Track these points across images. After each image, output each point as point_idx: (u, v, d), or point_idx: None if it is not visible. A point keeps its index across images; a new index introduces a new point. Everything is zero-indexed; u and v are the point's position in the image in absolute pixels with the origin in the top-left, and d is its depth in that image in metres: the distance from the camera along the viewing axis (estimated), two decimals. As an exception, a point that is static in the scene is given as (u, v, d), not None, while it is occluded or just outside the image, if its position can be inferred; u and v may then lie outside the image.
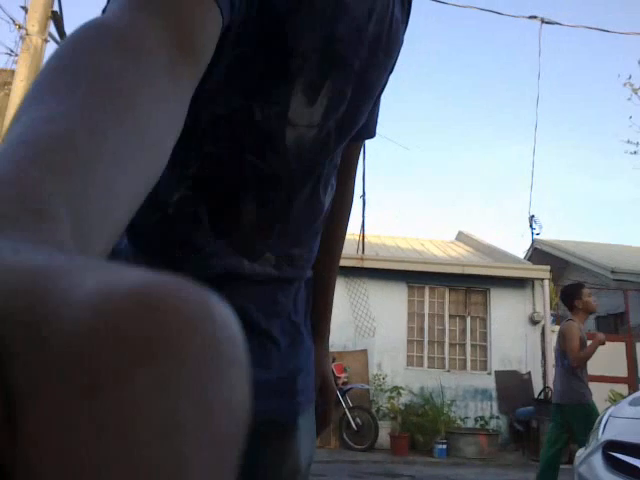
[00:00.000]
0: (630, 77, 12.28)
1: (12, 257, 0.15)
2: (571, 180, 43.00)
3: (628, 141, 12.46)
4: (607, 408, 2.55)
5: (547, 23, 9.08)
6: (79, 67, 0.31)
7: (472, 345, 9.06)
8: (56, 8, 9.54)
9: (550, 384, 8.59)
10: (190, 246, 0.68)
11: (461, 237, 13.21)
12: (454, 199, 43.06)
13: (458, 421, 8.32)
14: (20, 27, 9.20)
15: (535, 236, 13.57)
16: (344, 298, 8.94)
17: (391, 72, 0.82)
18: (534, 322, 9.00)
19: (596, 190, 42.89)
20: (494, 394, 8.69)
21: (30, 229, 0.19)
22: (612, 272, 9.92)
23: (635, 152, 12.42)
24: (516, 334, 8.96)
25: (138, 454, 0.13)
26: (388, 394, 8.30)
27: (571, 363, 3.99)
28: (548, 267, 9.25)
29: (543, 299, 9.06)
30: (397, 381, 8.51)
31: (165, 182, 0.60)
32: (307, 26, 0.61)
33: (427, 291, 9.23)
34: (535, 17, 9.05)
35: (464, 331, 9.12)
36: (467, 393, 8.66)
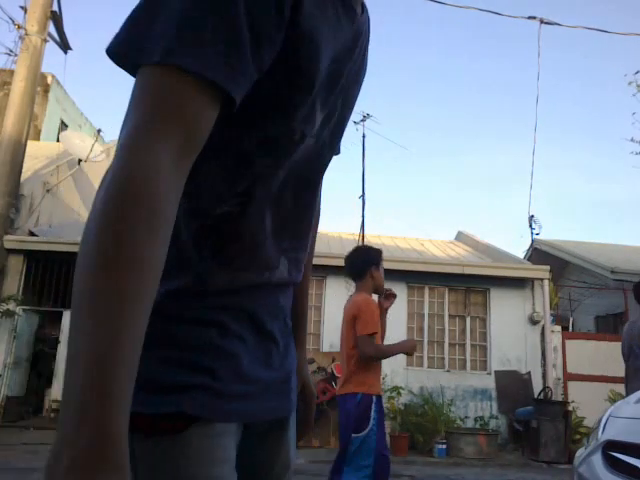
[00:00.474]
0: (637, 72, 12.19)
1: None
2: (571, 180, 43.02)
3: (632, 139, 12.42)
4: (607, 408, 2.54)
5: (546, 23, 9.09)
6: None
7: (472, 345, 9.06)
8: (55, 8, 9.54)
9: (550, 384, 8.59)
10: (223, 257, 0.71)
11: (461, 237, 13.20)
12: (454, 199, 43.06)
13: (458, 421, 8.32)
14: (19, 27, 9.19)
15: (535, 236, 13.57)
16: (344, 298, 8.89)
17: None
18: (534, 322, 9.00)
19: (596, 190, 42.91)
20: (494, 394, 8.69)
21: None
22: (612, 272, 9.91)
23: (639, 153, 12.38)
24: (516, 334, 8.95)
25: None
26: (388, 394, 8.29)
27: None
28: (548, 267, 9.24)
29: (543, 299, 9.06)
30: (397, 381, 8.50)
31: (212, 197, 0.68)
32: (324, 48, 0.68)
33: (427, 291, 9.23)
34: (534, 17, 9.06)
35: (464, 331, 9.12)
36: (467, 393, 8.66)
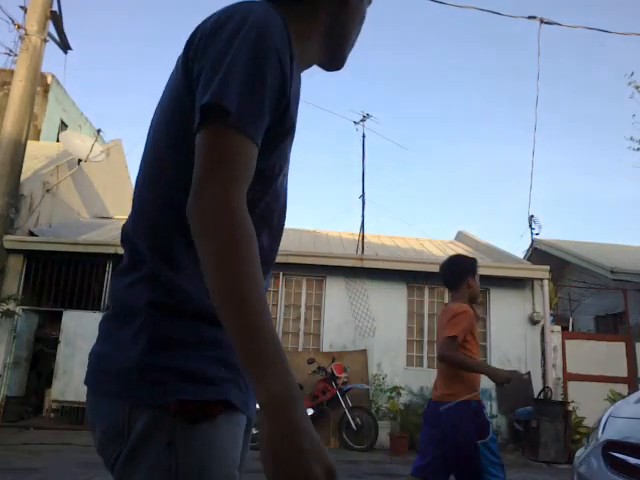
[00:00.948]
0: (632, 73, 12.18)
1: None
2: (571, 180, 43.00)
3: (631, 138, 12.40)
4: (607, 408, 2.55)
5: (546, 23, 9.09)
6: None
7: (472, 345, 9.05)
8: (55, 8, 9.54)
9: (550, 384, 8.59)
10: None
11: (460, 237, 13.20)
12: (454, 199, 43.05)
13: (458, 421, 8.31)
14: (19, 27, 9.19)
15: (535, 236, 13.57)
16: (344, 298, 8.94)
17: None
18: (534, 322, 9.00)
19: (596, 190, 42.90)
20: (493, 394, 8.68)
21: None
22: (611, 272, 9.91)
23: (639, 149, 12.36)
24: (516, 334, 8.95)
25: None
26: (388, 394, 8.30)
27: None
28: (548, 267, 9.24)
29: (543, 299, 9.06)
30: (397, 381, 8.50)
31: None
32: (298, 104, 0.92)
33: (426, 291, 9.23)
34: (534, 17, 9.05)
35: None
36: (467, 393, 8.65)
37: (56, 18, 9.59)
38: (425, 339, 9.00)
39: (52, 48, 9.89)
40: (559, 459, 7.31)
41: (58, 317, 8.68)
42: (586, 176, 45.70)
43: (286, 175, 0.98)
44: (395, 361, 8.75)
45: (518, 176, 50.87)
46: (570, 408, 7.96)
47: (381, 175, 40.98)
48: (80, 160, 10.85)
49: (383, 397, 8.32)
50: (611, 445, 2.11)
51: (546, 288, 9.06)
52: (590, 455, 2.25)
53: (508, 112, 44.96)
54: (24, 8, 9.25)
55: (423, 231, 32.78)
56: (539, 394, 8.26)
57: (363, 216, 10.42)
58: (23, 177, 9.16)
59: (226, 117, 0.74)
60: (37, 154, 11.16)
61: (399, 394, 8.30)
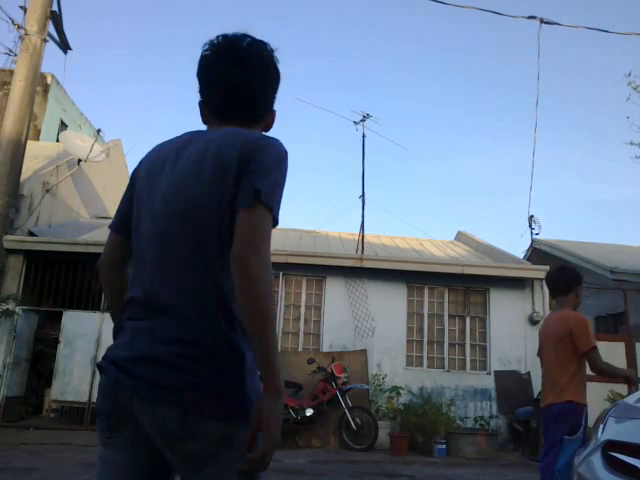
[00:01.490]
0: (630, 73, 12.12)
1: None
2: (570, 180, 43.00)
3: (631, 143, 12.38)
4: (607, 408, 2.54)
5: (546, 23, 9.08)
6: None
7: (471, 345, 9.06)
8: (55, 8, 9.53)
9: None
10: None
11: (460, 237, 13.20)
12: (454, 199, 43.03)
13: (457, 421, 8.32)
14: (19, 27, 9.18)
15: (534, 236, 13.57)
16: (344, 298, 8.93)
17: None
18: (533, 322, 9.00)
19: (596, 190, 42.88)
20: (493, 394, 8.69)
21: None
22: (611, 272, 9.91)
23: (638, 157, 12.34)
24: (515, 334, 8.95)
25: None
26: (387, 394, 8.30)
27: None
28: (547, 267, 9.21)
29: (542, 299, 9.06)
30: (396, 381, 8.50)
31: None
32: None
33: (426, 291, 9.22)
34: (534, 17, 9.05)
35: (463, 331, 9.12)
36: (466, 393, 8.66)
37: (56, 18, 9.58)
38: (425, 339, 9.00)
39: (52, 48, 9.89)
40: (559, 459, 7.30)
41: (58, 317, 8.68)
42: (586, 176, 45.70)
43: None
44: (395, 361, 8.75)
45: (518, 176, 50.88)
46: (570, 408, 7.95)
47: (381, 175, 40.99)
48: (80, 160, 10.85)
49: (383, 397, 8.32)
50: (611, 445, 2.11)
51: (546, 288, 9.06)
52: (590, 455, 2.25)
53: (508, 112, 44.96)
54: (24, 8, 9.25)
55: (423, 231, 32.75)
56: (539, 394, 8.25)
57: (363, 216, 10.43)
58: (23, 177, 9.16)
59: (270, 211, 1.14)
60: (37, 154, 11.15)
61: (399, 394, 8.30)
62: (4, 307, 8.32)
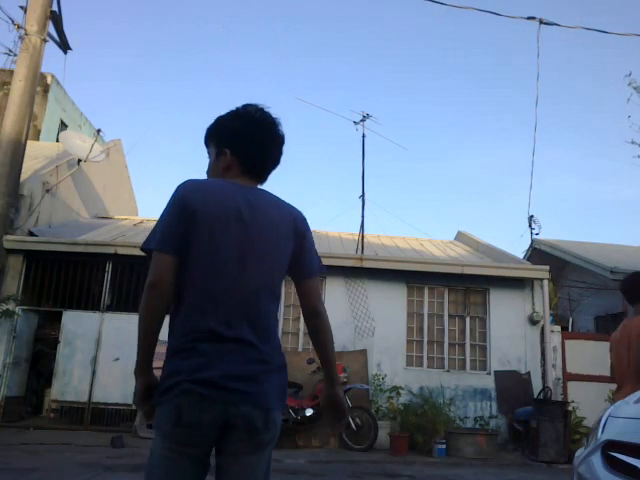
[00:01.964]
0: (630, 74, 12.07)
1: None
2: (570, 180, 42.99)
3: (632, 142, 12.36)
4: (606, 408, 2.54)
5: (545, 24, 9.08)
6: None
7: (471, 345, 9.06)
8: (55, 8, 9.53)
9: (549, 384, 8.59)
10: None
11: (460, 237, 13.20)
12: (454, 199, 43.03)
13: (457, 421, 8.32)
14: (19, 27, 9.18)
15: (534, 236, 13.59)
16: (343, 298, 8.93)
17: None
18: (533, 322, 9.00)
19: (596, 190, 42.87)
20: (493, 394, 8.69)
21: None
22: (611, 272, 9.92)
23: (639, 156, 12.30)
24: (515, 334, 8.95)
25: None
26: (387, 394, 8.30)
27: None
28: (547, 267, 9.24)
29: (542, 299, 9.06)
30: (396, 381, 8.50)
31: None
32: None
33: (426, 291, 9.22)
34: (534, 18, 9.05)
35: (463, 331, 9.12)
36: (466, 393, 8.66)
37: (56, 18, 9.58)
38: (425, 339, 9.00)
39: (52, 48, 9.89)
40: (559, 459, 7.31)
41: (58, 317, 8.68)
42: (586, 176, 45.69)
43: None
44: (395, 361, 8.75)
45: (518, 176, 50.88)
46: (570, 408, 7.96)
47: (381, 175, 40.98)
48: (80, 160, 10.84)
49: (383, 397, 8.32)
50: (611, 445, 2.11)
51: (546, 288, 9.06)
52: (590, 455, 2.25)
53: (509, 112, 44.97)
54: (24, 8, 9.24)
55: (423, 231, 32.74)
56: (539, 394, 8.27)
57: (363, 216, 10.42)
58: (23, 177, 9.16)
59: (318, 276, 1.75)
60: (37, 154, 11.15)
61: (399, 394, 8.30)
62: (4, 307, 8.32)
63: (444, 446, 7.47)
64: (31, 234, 9.24)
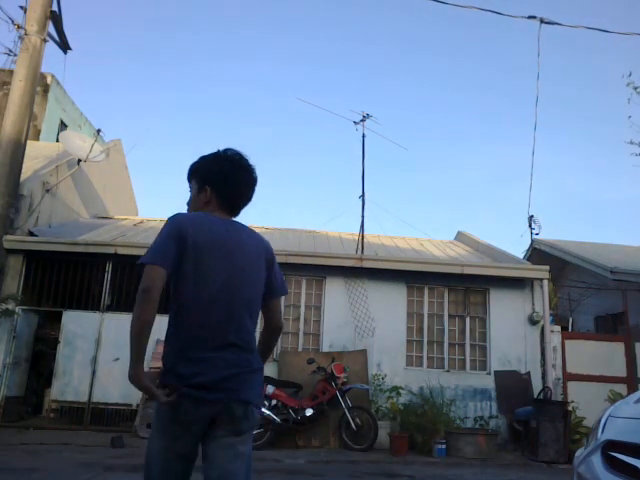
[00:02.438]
0: (630, 74, 12.03)
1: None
2: (570, 180, 42.98)
3: (631, 142, 12.33)
4: (606, 408, 2.54)
5: (546, 23, 9.08)
6: None
7: (471, 345, 9.06)
8: (55, 8, 9.53)
9: (549, 384, 8.59)
10: None
11: (460, 237, 13.20)
12: (454, 199, 43.03)
13: (457, 421, 8.32)
14: (19, 27, 9.18)
15: (534, 236, 13.57)
16: (343, 298, 8.93)
17: None
18: (533, 322, 9.00)
19: (595, 190, 42.88)
20: (493, 394, 8.69)
21: None
22: (611, 272, 9.91)
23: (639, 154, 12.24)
24: (515, 334, 8.95)
25: None
26: (387, 394, 8.29)
27: None
28: (547, 267, 9.24)
29: (542, 299, 9.06)
30: (396, 381, 8.50)
31: None
32: None
33: (426, 291, 9.22)
34: (534, 17, 9.05)
35: (463, 331, 9.12)
36: (466, 393, 8.66)
37: (56, 18, 9.57)
38: (425, 339, 8.99)
39: (52, 48, 9.89)
40: (559, 459, 7.31)
41: (58, 317, 8.68)
42: (586, 176, 45.70)
43: None
44: (395, 361, 8.75)
45: (518, 176, 50.88)
46: (570, 408, 7.96)
47: (381, 175, 40.98)
48: (80, 160, 10.84)
49: (383, 397, 8.32)
50: (611, 445, 2.11)
51: (546, 288, 9.06)
52: (589, 455, 2.25)
53: (508, 111, 44.98)
54: (24, 8, 9.24)
55: (423, 231, 32.73)
56: (539, 394, 8.26)
57: (363, 216, 10.41)
58: (23, 177, 9.16)
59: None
60: (37, 154, 11.15)
61: (399, 394, 8.30)
62: (4, 307, 8.31)
63: (444, 446, 7.46)
64: (31, 234, 9.24)
